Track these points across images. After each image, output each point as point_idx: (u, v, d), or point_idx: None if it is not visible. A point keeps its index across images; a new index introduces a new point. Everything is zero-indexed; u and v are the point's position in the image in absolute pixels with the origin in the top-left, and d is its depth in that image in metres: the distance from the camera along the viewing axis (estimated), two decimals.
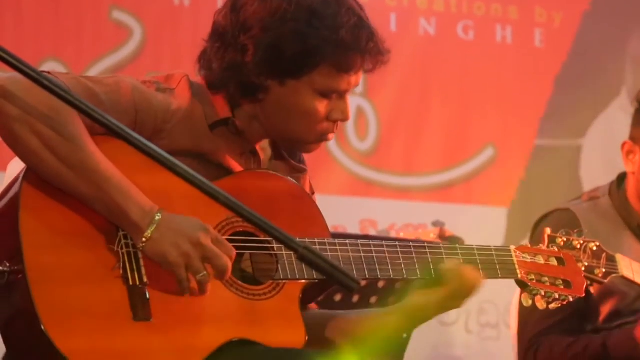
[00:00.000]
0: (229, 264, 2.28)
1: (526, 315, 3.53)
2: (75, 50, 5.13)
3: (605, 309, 3.48)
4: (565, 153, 5.81)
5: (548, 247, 2.75)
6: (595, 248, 2.83)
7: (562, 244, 2.78)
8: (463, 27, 5.68)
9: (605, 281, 2.87)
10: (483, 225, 5.50)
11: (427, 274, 2.50)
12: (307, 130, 2.48)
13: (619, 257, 2.96)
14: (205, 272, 2.27)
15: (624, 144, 3.55)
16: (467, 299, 2.52)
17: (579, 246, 2.79)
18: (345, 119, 2.50)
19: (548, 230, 2.79)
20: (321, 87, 2.44)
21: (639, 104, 3.56)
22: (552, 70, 5.79)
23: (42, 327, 2.17)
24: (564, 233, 2.78)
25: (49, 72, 2.27)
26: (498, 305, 5.49)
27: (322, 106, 2.45)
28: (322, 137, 2.51)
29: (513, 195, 5.70)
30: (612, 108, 5.83)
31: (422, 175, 5.61)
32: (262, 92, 2.45)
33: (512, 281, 2.71)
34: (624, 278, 3.01)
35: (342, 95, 2.48)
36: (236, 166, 2.49)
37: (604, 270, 2.87)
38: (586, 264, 2.80)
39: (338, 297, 3.70)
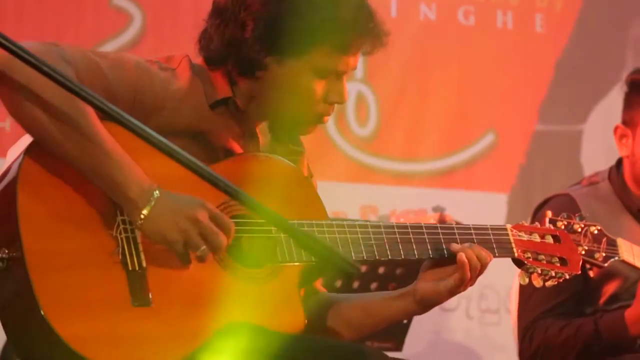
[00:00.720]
0: (225, 241, 2.28)
1: (525, 299, 3.54)
2: (76, 36, 5.12)
3: (607, 292, 3.48)
4: (566, 138, 5.81)
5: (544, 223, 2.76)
6: (596, 232, 2.83)
7: (562, 227, 2.79)
8: (464, 12, 5.67)
9: (605, 265, 2.87)
10: (484, 210, 5.49)
11: (424, 254, 2.51)
12: (304, 111, 2.48)
13: (619, 241, 2.96)
14: (204, 247, 2.27)
15: (616, 128, 3.55)
16: (473, 282, 2.53)
17: (579, 229, 2.79)
18: (342, 101, 2.50)
19: (549, 214, 2.79)
20: (319, 67, 2.44)
21: (628, 87, 3.57)
22: (552, 56, 5.78)
23: (42, 313, 2.17)
24: (565, 216, 2.79)
25: (55, 43, 2.29)
26: (499, 291, 5.50)
27: (319, 87, 2.46)
28: (318, 119, 2.51)
29: (513, 181, 5.70)
30: (613, 93, 5.81)
31: (423, 161, 5.61)
32: (260, 69, 2.45)
33: (513, 267, 2.72)
34: (624, 262, 3.01)
35: (339, 76, 2.48)
36: (236, 147, 2.50)
37: (604, 254, 2.87)
38: (586, 247, 2.80)
39: (339, 284, 3.71)
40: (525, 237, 2.66)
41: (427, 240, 2.51)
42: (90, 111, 2.24)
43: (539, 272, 2.65)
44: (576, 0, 5.82)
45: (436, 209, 4.41)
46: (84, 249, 2.26)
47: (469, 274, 2.49)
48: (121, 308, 2.25)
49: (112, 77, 2.33)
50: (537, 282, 2.65)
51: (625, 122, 3.54)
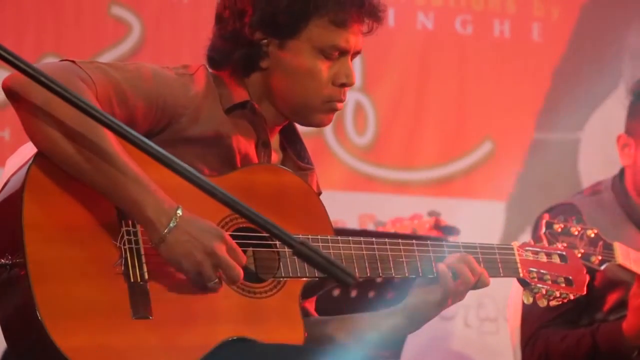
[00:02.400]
0: (241, 274, 2.28)
1: (528, 308, 3.54)
2: (75, 46, 5.13)
3: (611, 300, 3.48)
4: (564, 147, 5.81)
5: (545, 232, 2.75)
6: (593, 235, 2.83)
7: (559, 230, 2.78)
8: (461, 21, 5.68)
9: (601, 268, 2.87)
10: (482, 219, 5.50)
11: (429, 272, 2.50)
12: (313, 93, 2.47)
13: (616, 245, 2.97)
14: (216, 280, 2.28)
15: (619, 137, 3.55)
16: (465, 294, 2.52)
17: (576, 233, 2.79)
18: (349, 82, 2.48)
19: (546, 216, 2.79)
20: (319, 42, 2.44)
21: (633, 96, 3.57)
22: (550, 64, 5.79)
23: (42, 322, 2.17)
24: (562, 219, 2.78)
25: (73, 61, 2.31)
26: (497, 300, 5.50)
27: (324, 66, 2.46)
28: (330, 105, 2.49)
29: (511, 189, 5.71)
30: (611, 101, 5.83)
31: (421, 169, 5.62)
32: (264, 58, 2.46)
33: None
34: (620, 266, 3.02)
35: (343, 55, 2.47)
36: (251, 153, 2.50)
37: (600, 257, 2.87)
38: (582, 250, 2.80)
39: (336, 292, 3.71)
40: (531, 256, 2.64)
41: (431, 258, 2.51)
42: (106, 130, 2.24)
43: (544, 292, 2.62)
44: (573, 9, 5.83)
45: (431, 213, 4.41)
46: (87, 259, 2.26)
47: (451, 284, 2.47)
48: (121, 320, 2.25)
49: (131, 90, 2.34)
50: (542, 303, 2.63)
51: (628, 132, 3.54)
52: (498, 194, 5.67)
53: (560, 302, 2.67)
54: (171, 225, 2.23)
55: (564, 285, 2.66)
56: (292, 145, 2.61)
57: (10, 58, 1.99)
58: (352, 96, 5.48)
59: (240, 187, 2.31)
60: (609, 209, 3.54)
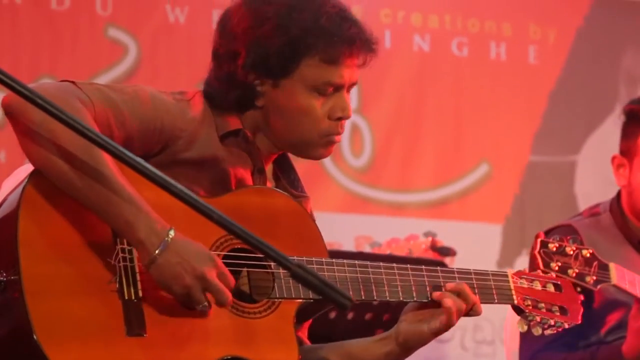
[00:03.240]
0: (230, 299, 2.28)
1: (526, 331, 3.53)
2: (71, 68, 5.14)
3: (610, 321, 3.47)
4: (560, 169, 5.82)
5: (540, 252, 2.74)
6: (588, 255, 2.83)
7: (554, 249, 2.77)
8: (457, 43, 5.70)
9: (596, 289, 2.86)
10: (478, 241, 5.50)
11: (423, 297, 2.50)
12: (309, 130, 2.47)
13: (612, 265, 2.96)
14: (205, 304, 2.28)
15: (613, 158, 3.55)
16: (458, 319, 2.51)
17: (571, 252, 2.78)
18: (346, 115, 2.48)
19: (541, 235, 2.78)
20: (312, 81, 2.44)
21: (626, 117, 3.57)
22: (546, 87, 5.80)
23: (36, 339, 2.17)
24: (557, 239, 2.78)
25: (73, 82, 2.32)
26: (493, 322, 5.49)
27: (318, 103, 2.46)
28: (328, 138, 2.50)
29: (508, 212, 5.71)
30: (607, 124, 5.84)
31: (417, 191, 5.62)
32: (258, 97, 2.47)
33: None
34: (616, 287, 3.01)
35: (338, 90, 2.48)
36: (247, 178, 2.50)
37: (595, 277, 2.86)
38: (577, 270, 2.79)
39: (333, 315, 3.70)
40: (525, 284, 2.63)
41: (426, 283, 2.50)
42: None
43: (538, 320, 2.61)
44: (569, 32, 5.85)
45: (427, 234, 4.40)
46: (82, 276, 2.26)
47: (455, 319, 2.47)
48: (115, 337, 2.24)
49: (129, 113, 2.36)
50: (536, 331, 2.61)
51: (622, 152, 3.54)
52: (494, 216, 5.67)
53: (555, 331, 2.66)
54: (162, 247, 2.23)
55: (558, 314, 2.65)
56: (286, 175, 2.62)
57: (7, 80, 1.99)
58: None
59: (233, 208, 2.30)
60: (607, 230, 3.54)
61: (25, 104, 2.18)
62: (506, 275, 2.61)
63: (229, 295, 2.27)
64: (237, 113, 2.50)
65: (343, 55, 2.45)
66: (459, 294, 2.48)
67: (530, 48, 5.79)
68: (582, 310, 2.69)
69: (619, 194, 3.60)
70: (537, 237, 3.08)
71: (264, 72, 2.45)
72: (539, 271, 2.69)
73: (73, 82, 2.32)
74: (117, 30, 5.22)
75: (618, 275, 3.01)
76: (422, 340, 2.50)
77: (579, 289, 2.76)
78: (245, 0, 2.49)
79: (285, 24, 2.42)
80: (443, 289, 2.49)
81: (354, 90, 2.57)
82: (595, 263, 2.86)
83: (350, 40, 2.45)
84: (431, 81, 5.64)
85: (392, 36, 5.57)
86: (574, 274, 2.79)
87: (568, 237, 2.81)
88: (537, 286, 2.65)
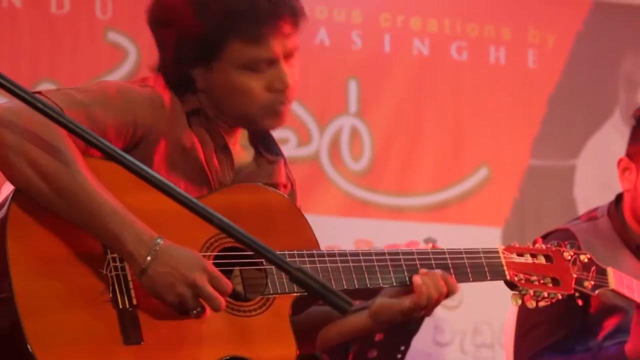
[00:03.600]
0: (223, 304, 2.28)
1: (521, 335, 3.52)
2: (71, 72, 5.14)
3: (607, 326, 3.46)
4: (559, 173, 5.82)
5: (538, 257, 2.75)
6: (586, 260, 2.83)
7: None
8: (457, 48, 5.70)
9: (594, 294, 2.87)
10: (477, 245, 5.47)
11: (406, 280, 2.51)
12: (250, 106, 2.47)
13: (610, 270, 2.96)
14: (199, 309, 2.28)
15: (620, 161, 3.53)
16: (433, 308, 2.50)
17: (569, 257, 2.79)
18: (284, 86, 2.47)
19: (540, 240, 2.78)
20: (240, 61, 2.44)
21: (636, 120, 3.55)
22: (545, 91, 5.81)
23: (32, 354, 2.16)
24: (555, 244, 2.78)
25: (39, 92, 2.29)
26: (493, 326, 5.49)
27: (253, 79, 2.45)
28: (271, 109, 2.49)
29: (507, 215, 5.71)
30: (606, 128, 5.85)
31: (417, 195, 5.62)
32: (194, 82, 2.47)
33: (508, 302, 2.70)
34: (614, 291, 3.01)
35: (274, 63, 2.46)
36: (215, 163, 2.49)
37: (593, 282, 2.87)
38: (575, 275, 2.80)
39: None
40: (517, 258, 2.64)
41: (417, 266, 2.51)
42: (79, 162, 2.25)
43: (532, 293, 2.62)
44: (568, 37, 5.85)
45: (427, 239, 4.41)
46: (74, 289, 2.25)
47: (424, 300, 2.47)
48: (112, 347, 2.24)
49: (101, 111, 2.35)
50: (530, 304, 2.63)
51: (629, 156, 3.52)
52: (494, 220, 5.67)
53: (549, 303, 2.66)
54: (150, 257, 2.23)
55: (551, 285, 2.66)
56: (260, 139, 2.61)
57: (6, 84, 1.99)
58: (348, 121, 5.49)
59: (223, 207, 2.29)
60: (604, 235, 3.53)
61: (1, 122, 2.18)
62: (497, 252, 2.62)
63: (221, 300, 2.27)
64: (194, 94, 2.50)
65: (265, 32, 2.43)
66: (431, 279, 2.47)
67: (529, 52, 5.80)
68: (574, 279, 2.70)
69: (617, 198, 3.59)
70: (534, 242, 3.09)
71: (191, 59, 2.45)
72: (528, 244, 2.71)
73: (40, 93, 2.29)
74: (117, 34, 5.22)
75: (616, 280, 3.01)
76: (390, 315, 2.51)
77: (568, 256, 2.77)
78: None
79: (199, 10, 2.42)
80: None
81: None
82: (593, 268, 2.87)
83: (268, 15, 2.43)
84: (430, 85, 5.65)
85: (392, 40, 5.57)
86: (573, 279, 2.79)
87: (566, 242, 2.81)
88: (528, 259, 2.66)
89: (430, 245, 4.32)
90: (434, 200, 5.63)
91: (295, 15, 2.46)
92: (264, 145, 2.60)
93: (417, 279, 2.47)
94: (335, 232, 5.30)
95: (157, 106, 2.42)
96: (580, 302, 2.83)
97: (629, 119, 3.64)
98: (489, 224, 5.66)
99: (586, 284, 2.84)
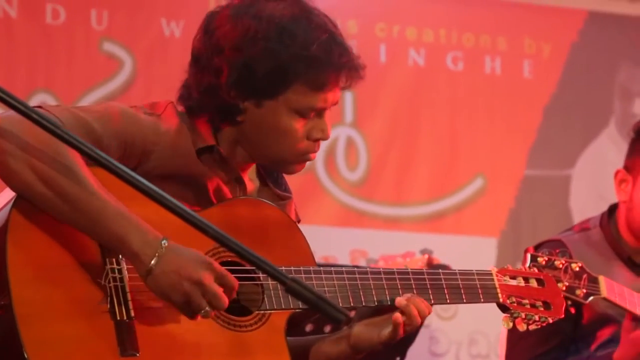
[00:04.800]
0: (226, 303, 2.27)
1: (511, 346, 3.52)
2: (66, 82, 5.14)
3: (601, 337, 3.47)
4: (555, 183, 5.83)
5: (529, 266, 2.76)
6: (577, 269, 2.84)
7: (543, 263, 2.79)
8: (452, 58, 5.71)
9: (586, 302, 2.87)
10: (473, 255, 5.50)
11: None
12: (288, 150, 2.48)
13: (601, 278, 2.96)
14: (207, 309, 2.26)
15: (617, 173, 3.55)
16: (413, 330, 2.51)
17: (560, 266, 2.79)
18: (324, 137, 2.49)
19: (531, 249, 2.79)
20: (297, 105, 2.44)
21: (635, 134, 3.56)
22: (541, 101, 5.82)
23: None
24: (546, 252, 2.79)
25: (40, 106, 2.29)
26: (489, 336, 5.49)
27: (300, 125, 2.46)
28: (304, 157, 2.51)
29: (503, 226, 5.71)
30: (601, 138, 5.86)
31: (412, 205, 5.62)
32: (239, 114, 2.46)
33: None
34: (606, 300, 3.01)
35: (320, 113, 2.48)
36: (225, 191, 2.50)
37: (585, 290, 2.87)
38: (567, 284, 2.80)
39: (309, 328, 3.70)
40: (509, 281, 2.66)
41: (413, 286, 2.52)
42: (82, 168, 2.24)
43: (523, 316, 2.64)
44: (563, 47, 5.87)
45: (424, 251, 4.42)
46: (72, 298, 2.25)
47: (401, 332, 2.48)
48: (109, 358, 2.23)
49: (101, 130, 2.34)
50: (521, 327, 2.65)
51: (627, 168, 3.53)
52: (489, 230, 5.68)
53: (540, 326, 2.67)
54: (157, 256, 2.22)
55: (542, 309, 2.68)
56: (269, 174, 2.62)
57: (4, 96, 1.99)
58: (343, 131, 5.49)
59: (223, 220, 2.30)
60: (597, 245, 3.54)
61: (1, 129, 2.18)
62: (490, 274, 2.63)
63: (225, 300, 2.25)
64: (212, 127, 2.49)
65: (330, 82, 2.45)
66: (415, 305, 2.48)
67: (525, 62, 5.81)
68: (564, 304, 2.71)
69: (610, 209, 3.60)
70: (526, 251, 3.10)
71: (249, 92, 2.43)
72: (521, 267, 2.72)
73: (40, 107, 2.29)
74: (113, 44, 5.23)
75: (608, 288, 3.02)
76: (371, 346, 2.52)
77: (559, 264, 2.78)
78: (232, 10, 2.46)
79: (276, 48, 2.40)
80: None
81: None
82: (584, 276, 2.88)
83: (338, 68, 2.44)
84: (426, 95, 5.65)
85: (387, 50, 5.58)
86: (564, 288, 2.80)
87: (557, 251, 2.82)
88: (521, 282, 2.68)
89: (426, 256, 4.31)
90: (430, 211, 5.63)
91: (357, 77, 2.48)
92: (273, 180, 2.61)
93: (398, 317, 2.47)
94: (331, 242, 5.30)
95: (159, 134, 2.41)
96: (572, 310, 2.84)
97: (624, 129, 3.65)
98: (484, 234, 5.66)
99: (578, 292, 2.85)
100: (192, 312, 2.26)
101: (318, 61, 2.42)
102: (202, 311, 2.26)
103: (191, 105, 2.48)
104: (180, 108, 2.51)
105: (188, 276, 2.23)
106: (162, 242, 2.24)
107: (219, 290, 2.25)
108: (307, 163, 2.55)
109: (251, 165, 2.57)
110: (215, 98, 2.44)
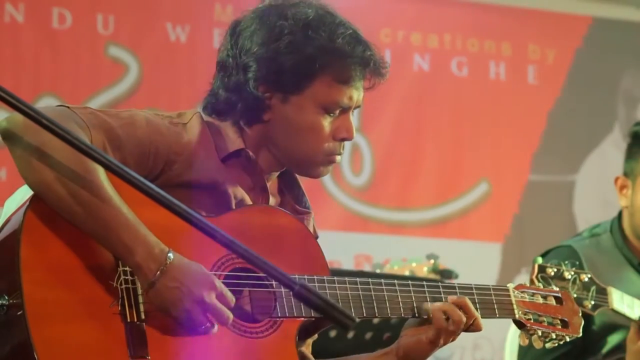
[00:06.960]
0: (230, 319, 2.28)
1: (523, 352, 3.52)
2: (72, 86, 5.15)
3: (611, 342, 3.47)
4: (559, 189, 5.83)
5: (537, 276, 2.75)
6: (586, 279, 2.83)
7: (552, 273, 2.78)
8: (457, 63, 5.72)
9: (594, 313, 2.86)
10: (477, 260, 5.51)
11: (424, 312, 2.51)
12: (313, 149, 2.48)
13: (610, 289, 2.96)
14: (208, 325, 2.28)
15: (617, 179, 3.56)
16: (457, 335, 2.51)
17: (569, 277, 2.79)
18: (349, 137, 2.50)
19: (539, 260, 2.79)
20: (323, 100, 2.45)
21: (631, 139, 3.57)
22: (545, 107, 5.82)
23: None
24: (555, 263, 2.78)
25: (68, 106, 2.32)
26: (493, 341, 5.49)
27: (326, 122, 2.47)
28: (329, 158, 2.50)
29: (507, 231, 5.71)
30: (605, 144, 5.86)
31: (417, 210, 5.63)
32: (266, 111, 2.47)
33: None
34: (614, 311, 3.01)
35: (345, 111, 2.49)
36: (247, 199, 2.50)
37: (593, 302, 2.86)
38: (575, 295, 2.79)
39: (333, 333, 3.70)
40: (527, 298, 2.64)
41: (427, 299, 2.50)
42: (100, 173, 2.25)
43: (540, 333, 2.62)
44: (568, 53, 5.87)
45: (430, 256, 4.41)
46: (84, 300, 2.25)
47: (443, 324, 2.47)
48: None
49: (125, 137, 2.35)
50: (537, 344, 2.61)
51: (626, 173, 3.54)
52: (494, 235, 5.68)
53: (556, 344, 2.66)
54: (159, 272, 2.23)
55: (560, 326, 2.65)
56: (290, 190, 2.62)
57: (11, 99, 2.00)
58: None
59: (236, 227, 2.30)
60: (607, 251, 3.54)
61: (24, 126, 2.20)
62: (507, 290, 2.61)
63: (229, 315, 2.27)
64: (239, 130, 2.50)
65: (356, 76, 2.46)
66: (460, 307, 2.49)
67: (529, 68, 5.82)
68: (582, 322, 2.69)
69: (619, 215, 3.61)
70: (534, 261, 3.11)
71: (276, 86, 2.45)
72: (539, 285, 2.70)
73: (68, 107, 2.31)
74: (118, 48, 5.24)
75: (616, 298, 3.01)
76: (422, 351, 2.50)
77: (568, 275, 2.77)
78: (258, 13, 2.50)
79: (301, 40, 2.43)
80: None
81: (362, 97, 2.58)
82: (593, 287, 2.87)
83: (364, 63, 2.46)
84: (431, 100, 5.66)
85: (392, 56, 5.59)
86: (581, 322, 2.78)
87: (566, 262, 2.81)
88: (538, 299, 2.66)
89: (431, 262, 4.31)
90: (434, 215, 5.64)
91: (381, 75, 2.50)
92: (294, 196, 2.61)
93: (436, 311, 2.47)
94: (335, 247, 5.30)
95: (183, 144, 2.42)
96: (582, 320, 2.83)
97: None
98: (489, 239, 5.67)
99: (586, 303, 2.85)
100: (193, 328, 2.28)
101: (343, 53, 2.44)
102: (203, 327, 2.27)
103: (218, 106, 2.50)
104: (206, 117, 2.52)
105: (189, 293, 2.24)
106: (168, 256, 2.25)
107: (221, 306, 2.26)
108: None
109: (275, 174, 2.57)
110: (242, 94, 2.46)
